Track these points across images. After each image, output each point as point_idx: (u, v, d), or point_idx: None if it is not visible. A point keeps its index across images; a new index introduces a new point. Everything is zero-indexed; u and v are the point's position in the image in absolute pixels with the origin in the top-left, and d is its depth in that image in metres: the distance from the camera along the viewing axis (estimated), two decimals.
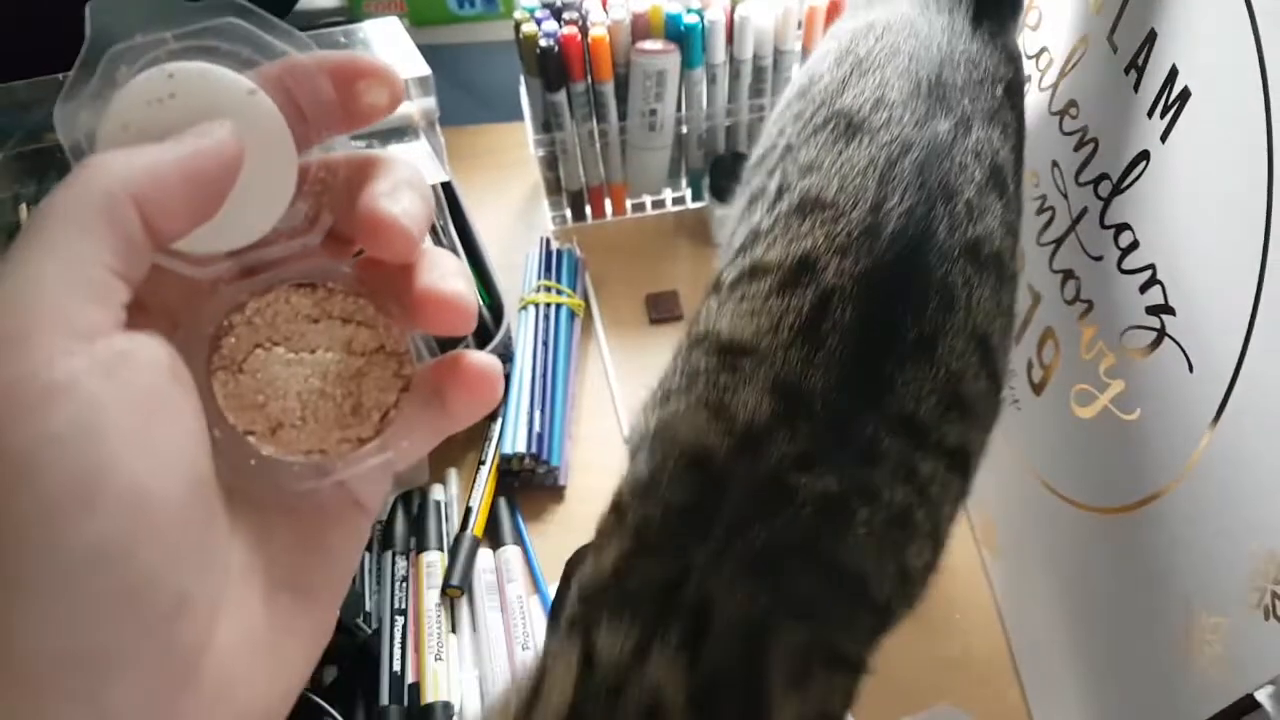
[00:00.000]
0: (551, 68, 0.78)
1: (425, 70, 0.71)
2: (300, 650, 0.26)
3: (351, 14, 1.04)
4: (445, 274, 0.26)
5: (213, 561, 0.23)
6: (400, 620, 0.65)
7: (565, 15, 0.79)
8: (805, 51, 0.82)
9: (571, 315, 0.81)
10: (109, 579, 0.20)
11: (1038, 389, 0.58)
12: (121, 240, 0.22)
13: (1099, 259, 0.51)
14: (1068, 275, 0.55)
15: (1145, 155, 0.47)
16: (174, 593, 0.22)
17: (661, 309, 0.86)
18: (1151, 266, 0.47)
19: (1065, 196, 0.55)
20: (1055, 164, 0.56)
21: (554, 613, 0.65)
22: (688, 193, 0.91)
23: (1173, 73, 0.46)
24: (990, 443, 0.47)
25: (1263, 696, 0.39)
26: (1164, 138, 0.46)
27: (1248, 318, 0.40)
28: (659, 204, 0.91)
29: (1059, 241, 0.55)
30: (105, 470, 0.20)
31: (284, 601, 0.25)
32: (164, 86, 0.24)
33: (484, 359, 0.27)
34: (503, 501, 0.72)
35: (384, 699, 0.60)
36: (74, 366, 0.21)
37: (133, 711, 0.21)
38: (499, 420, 0.74)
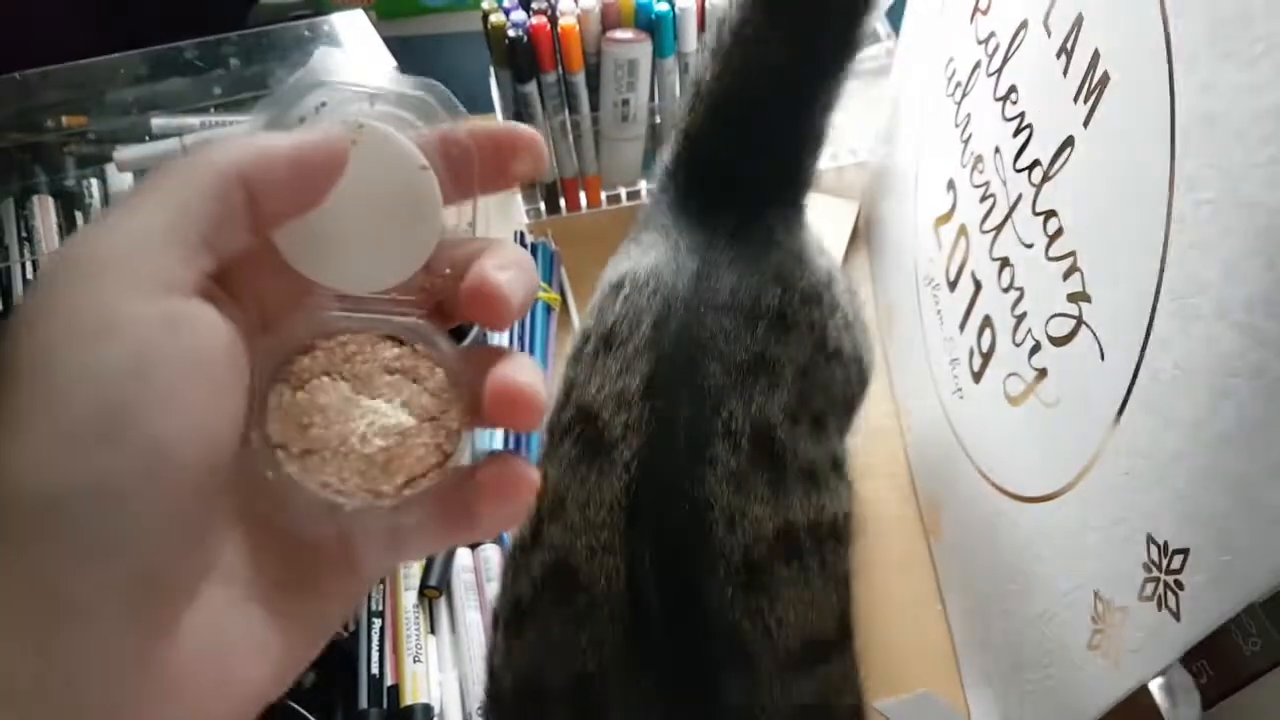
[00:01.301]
0: (521, 58, 0.78)
1: (391, 64, 0.72)
2: (260, 671, 0.25)
3: (318, 7, 1.04)
4: (524, 370, 0.26)
5: (198, 546, 0.23)
6: (378, 622, 0.64)
7: (534, 5, 0.79)
8: None
9: (547, 310, 0.81)
10: (92, 524, 0.20)
11: (976, 376, 0.57)
12: (221, 211, 0.23)
13: (1030, 246, 0.50)
14: (1004, 263, 0.54)
15: (1070, 141, 0.46)
16: (151, 559, 0.21)
17: None
18: (1073, 254, 0.46)
19: (1005, 183, 0.54)
20: (997, 150, 0.55)
21: None
22: None
23: (1095, 56, 0.44)
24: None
25: (1154, 688, 0.38)
26: (1086, 123, 0.45)
27: (1150, 303, 0.39)
28: (634, 195, 0.90)
29: (998, 228, 0.55)
30: (134, 416, 0.21)
31: (257, 617, 0.25)
32: (350, 133, 0.26)
33: (526, 467, 0.27)
34: None
35: (363, 702, 0.60)
36: (138, 310, 0.21)
37: (79, 666, 0.21)
38: None
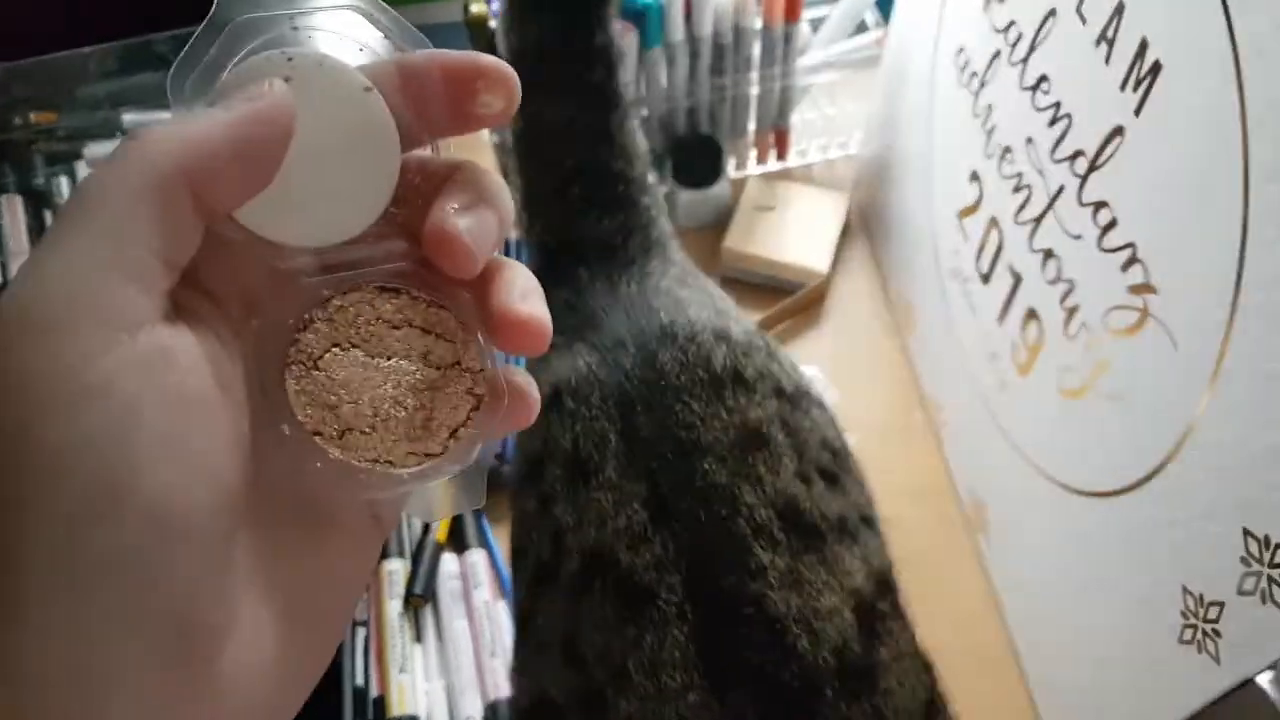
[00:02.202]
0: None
1: None
2: (302, 672, 0.25)
3: None
4: (523, 293, 0.25)
5: (228, 581, 0.22)
6: (362, 632, 0.62)
7: None
8: (766, 29, 0.79)
9: None
10: (121, 593, 0.20)
11: (1023, 370, 0.57)
12: (168, 220, 0.21)
13: (1078, 237, 0.50)
14: (1048, 255, 0.53)
15: (1120, 130, 0.46)
16: (185, 611, 0.21)
17: None
18: (1131, 245, 0.45)
19: (1041, 174, 0.53)
20: (1030, 140, 0.54)
21: None
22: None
23: (1143, 45, 0.44)
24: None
25: (1264, 681, 0.38)
26: (1137, 112, 0.44)
27: (1231, 295, 0.39)
28: None
29: (1038, 220, 0.54)
30: (131, 479, 0.20)
31: (291, 622, 0.24)
32: (280, 69, 0.23)
33: (525, 379, 0.27)
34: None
35: (348, 715, 0.58)
36: (111, 364, 0.20)
37: (142, 711, 0.20)
38: None
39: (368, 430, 0.25)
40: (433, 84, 0.24)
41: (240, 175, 0.22)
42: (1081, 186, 0.49)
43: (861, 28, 0.84)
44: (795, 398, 0.46)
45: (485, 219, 0.25)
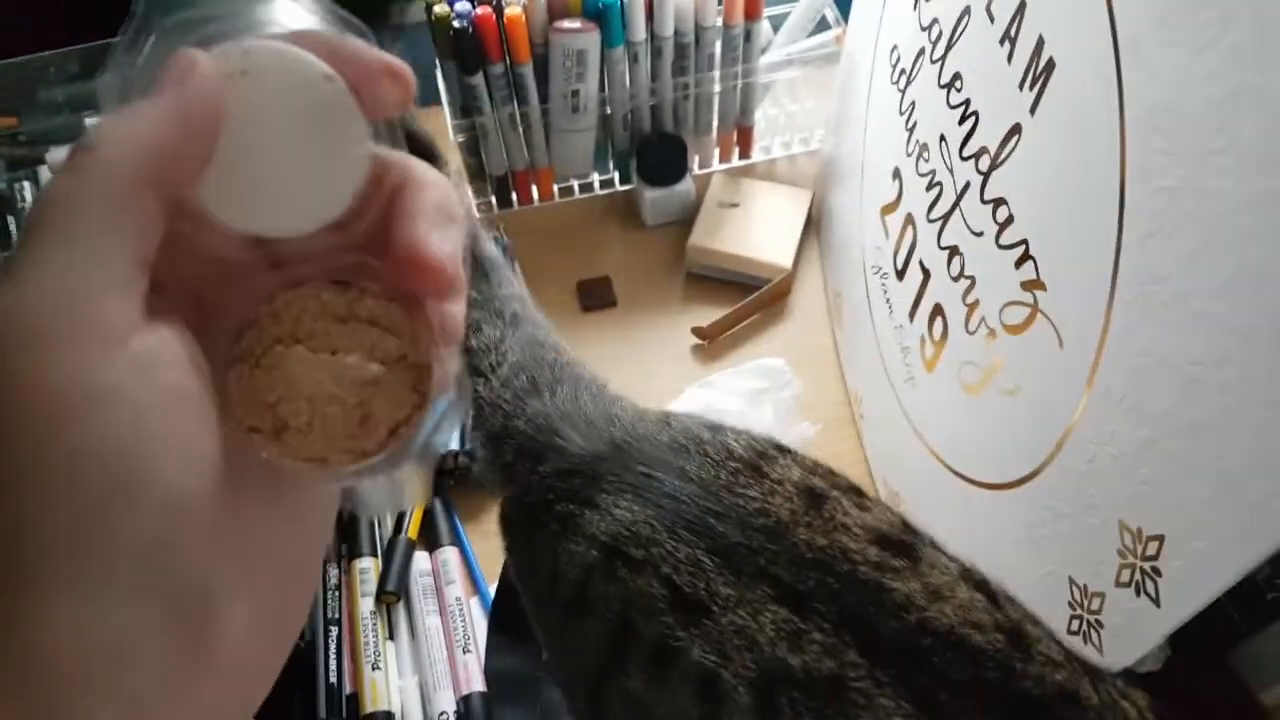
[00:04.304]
0: (466, 50, 0.77)
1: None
2: (283, 629, 0.26)
3: None
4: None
5: (232, 553, 0.23)
6: (334, 630, 0.63)
7: None
8: (727, 27, 0.80)
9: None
10: (140, 579, 0.21)
11: (929, 365, 0.58)
12: (136, 224, 0.22)
13: (980, 234, 0.50)
14: (953, 252, 0.54)
15: (1018, 129, 0.46)
16: (195, 590, 0.22)
17: (593, 296, 0.85)
18: (1024, 241, 0.46)
19: (951, 171, 0.54)
20: (943, 138, 0.54)
21: (495, 612, 0.63)
22: (615, 175, 0.89)
23: (1040, 43, 0.44)
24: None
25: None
26: (1033, 110, 0.45)
27: (1108, 292, 0.39)
28: (587, 188, 0.90)
29: (945, 217, 0.54)
30: (146, 474, 0.21)
31: (270, 581, 0.25)
32: (238, 63, 0.23)
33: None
34: (438, 502, 0.70)
35: (322, 712, 0.59)
36: (114, 370, 0.21)
37: (150, 697, 0.21)
38: None
39: (304, 429, 0.25)
40: (361, 67, 0.24)
41: (191, 159, 0.23)
42: (984, 184, 0.49)
43: (823, 25, 0.84)
44: (784, 448, 0.45)
45: (453, 233, 0.25)
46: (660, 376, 0.79)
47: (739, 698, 0.37)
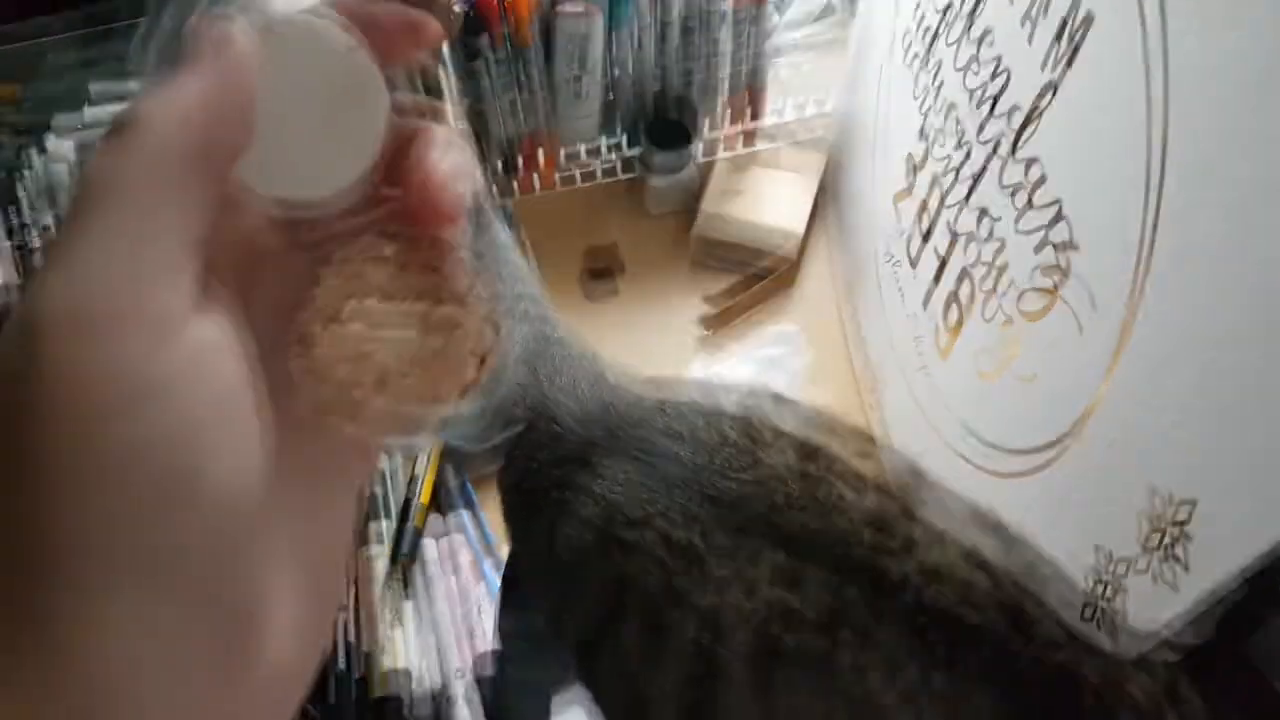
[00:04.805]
0: (468, 34, 0.75)
1: None
2: (319, 623, 0.26)
3: None
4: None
5: (274, 552, 0.23)
6: (350, 589, 0.64)
7: None
8: (735, 11, 0.79)
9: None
10: (192, 582, 0.20)
11: (944, 353, 0.57)
12: (186, 203, 0.21)
13: (1012, 194, 0.49)
14: (983, 213, 0.53)
15: (1052, 86, 0.45)
16: (248, 591, 0.21)
17: (599, 284, 0.83)
18: (1058, 201, 0.45)
19: (981, 129, 0.53)
20: (972, 95, 0.53)
21: (508, 572, 0.64)
22: (619, 162, 0.88)
23: None
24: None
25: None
26: (1069, 65, 0.44)
27: (1142, 254, 0.38)
28: (589, 175, 0.88)
29: (976, 177, 0.53)
30: (198, 470, 0.20)
31: (306, 575, 0.24)
32: (257, 34, 0.23)
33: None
34: (449, 467, 0.71)
35: (340, 665, 0.60)
36: (164, 362, 0.20)
37: (192, 705, 0.20)
38: None
39: (405, 372, 0.25)
40: (375, 20, 0.25)
41: (236, 131, 0.22)
42: (1016, 142, 0.48)
43: (829, 9, 0.83)
44: (782, 400, 0.46)
45: (456, 157, 0.25)
46: (666, 364, 0.79)
47: (737, 641, 0.38)
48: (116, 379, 0.19)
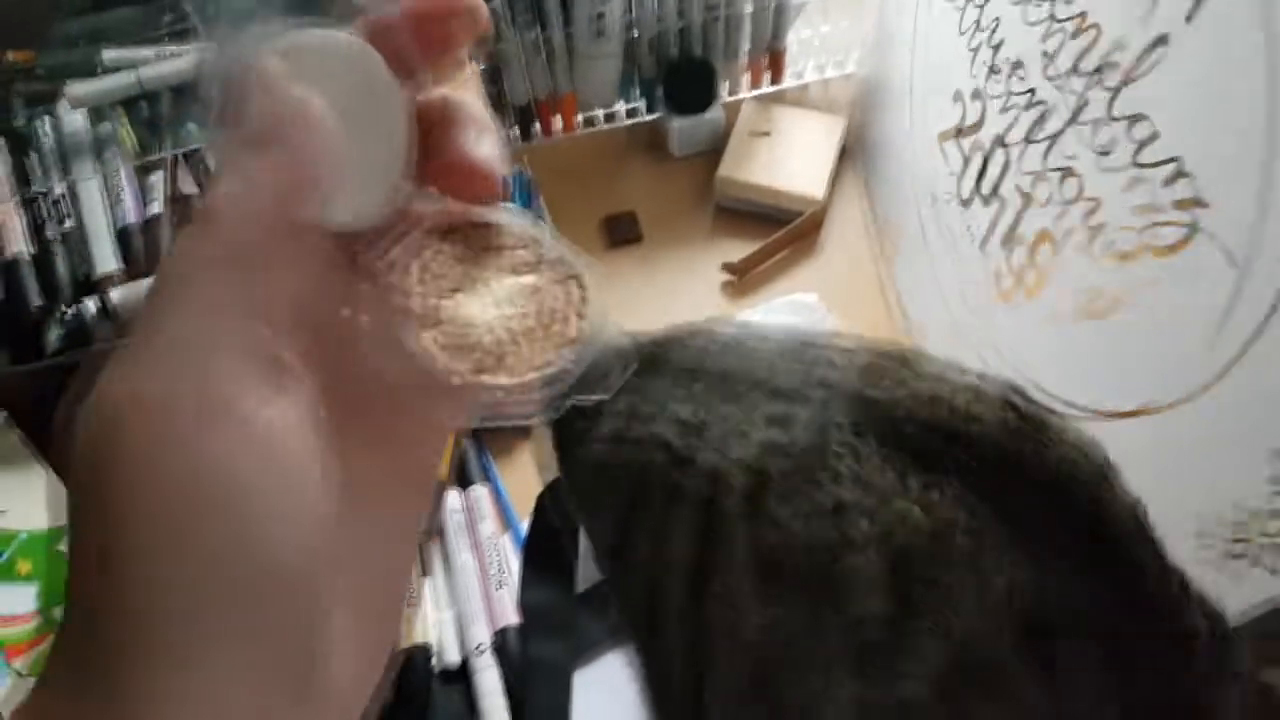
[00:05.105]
0: None
1: None
2: (385, 645, 0.26)
3: None
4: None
5: (343, 589, 0.23)
6: None
7: None
8: None
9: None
10: (252, 650, 0.21)
11: (1030, 292, 0.56)
12: (262, 290, 0.22)
13: (1106, 153, 0.48)
14: (1066, 173, 0.52)
15: (1163, 39, 0.44)
16: (315, 652, 0.22)
17: (619, 231, 0.82)
18: (1176, 159, 0.44)
19: (1060, 89, 0.51)
20: (1045, 54, 0.52)
21: (528, 547, 0.64)
22: (641, 104, 0.85)
23: None
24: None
25: None
26: (1189, 19, 0.42)
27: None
28: (611, 118, 0.85)
29: (1054, 137, 0.52)
30: (261, 548, 0.21)
31: (377, 607, 0.25)
32: (287, 61, 0.24)
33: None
34: (468, 441, 0.70)
35: None
36: (237, 446, 0.21)
37: None
38: None
39: (514, 348, 0.26)
40: (402, 34, 0.25)
41: (312, 210, 0.23)
42: (1113, 100, 0.47)
43: None
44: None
45: (495, 143, 0.26)
46: (688, 314, 0.77)
47: (734, 481, 0.39)
48: (186, 472, 0.20)
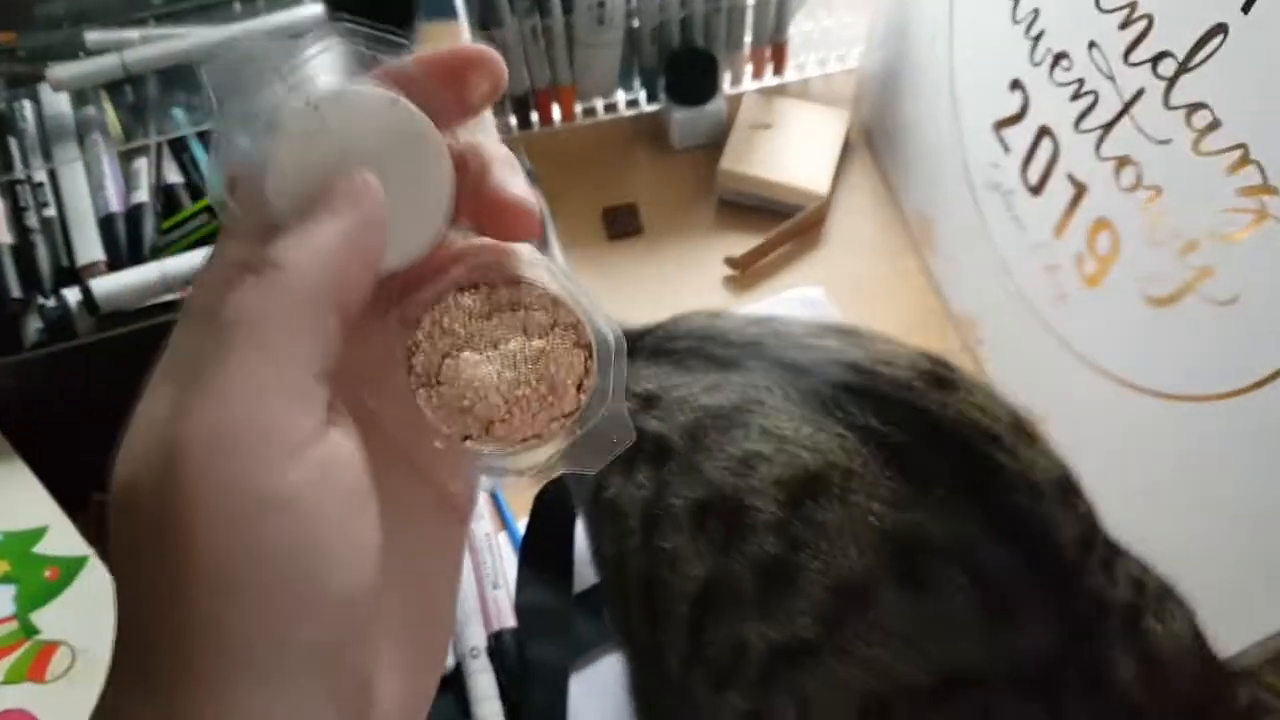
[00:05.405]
0: None
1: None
2: (431, 680, 0.27)
3: None
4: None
5: (387, 631, 0.24)
6: None
7: None
8: None
9: None
10: (313, 677, 0.22)
11: (1092, 280, 0.56)
12: (323, 340, 0.23)
13: (1166, 142, 0.48)
14: (1123, 161, 0.51)
15: (1222, 28, 0.44)
16: (365, 676, 0.23)
17: (620, 224, 0.80)
18: (1242, 146, 0.43)
19: (1111, 79, 0.51)
20: (1094, 44, 0.52)
21: (525, 548, 0.63)
22: (642, 94, 0.84)
23: None
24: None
25: None
26: (1246, 8, 0.42)
27: None
28: (611, 108, 0.84)
29: (1107, 126, 0.52)
30: (323, 582, 0.22)
31: (424, 638, 0.27)
32: (313, 120, 0.25)
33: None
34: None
35: None
36: (293, 481, 0.22)
37: None
38: None
39: (506, 418, 0.26)
40: (422, 85, 0.26)
41: (369, 272, 0.24)
42: (1169, 89, 0.47)
43: None
44: None
45: (523, 180, 0.27)
46: (690, 308, 0.75)
47: (674, 444, 0.43)
48: (246, 496, 0.21)
